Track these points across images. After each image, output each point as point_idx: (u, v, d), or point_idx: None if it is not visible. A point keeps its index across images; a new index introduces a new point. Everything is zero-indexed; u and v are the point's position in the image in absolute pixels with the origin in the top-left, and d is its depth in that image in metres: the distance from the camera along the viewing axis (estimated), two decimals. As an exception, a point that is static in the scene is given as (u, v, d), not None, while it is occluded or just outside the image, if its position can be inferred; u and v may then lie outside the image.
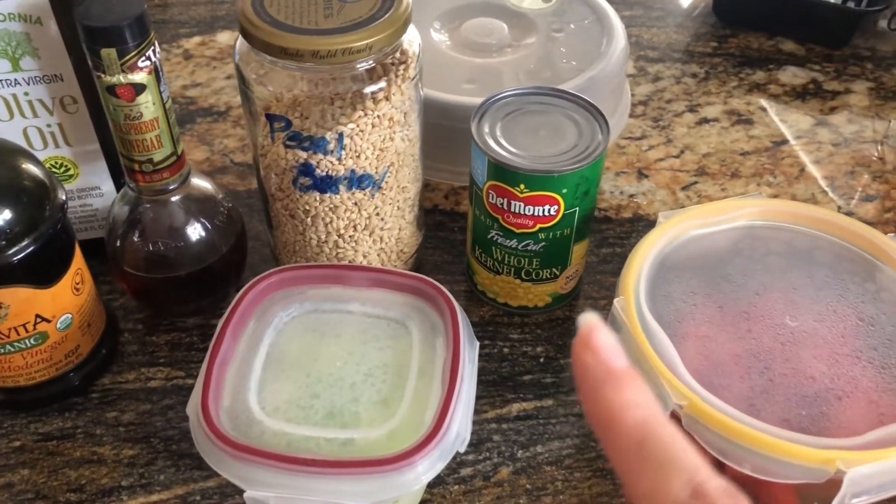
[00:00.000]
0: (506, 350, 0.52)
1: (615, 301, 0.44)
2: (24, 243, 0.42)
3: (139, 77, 0.42)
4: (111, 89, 0.42)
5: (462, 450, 0.38)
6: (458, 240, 0.60)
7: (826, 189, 0.65)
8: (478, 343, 0.43)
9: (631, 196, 0.63)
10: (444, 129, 0.56)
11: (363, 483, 0.36)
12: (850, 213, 0.60)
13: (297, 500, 0.37)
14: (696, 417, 0.38)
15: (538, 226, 0.48)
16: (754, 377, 0.41)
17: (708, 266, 0.47)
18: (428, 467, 0.37)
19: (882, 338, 0.43)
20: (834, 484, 0.37)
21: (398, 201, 0.50)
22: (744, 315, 0.44)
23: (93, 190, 0.53)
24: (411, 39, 0.46)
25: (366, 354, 0.42)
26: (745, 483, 0.40)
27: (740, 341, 0.43)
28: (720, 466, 0.40)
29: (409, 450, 0.37)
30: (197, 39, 0.79)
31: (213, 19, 0.82)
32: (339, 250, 0.51)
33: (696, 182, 0.65)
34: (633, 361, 0.42)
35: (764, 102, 0.73)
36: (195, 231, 0.49)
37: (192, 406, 0.39)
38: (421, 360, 0.42)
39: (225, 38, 0.79)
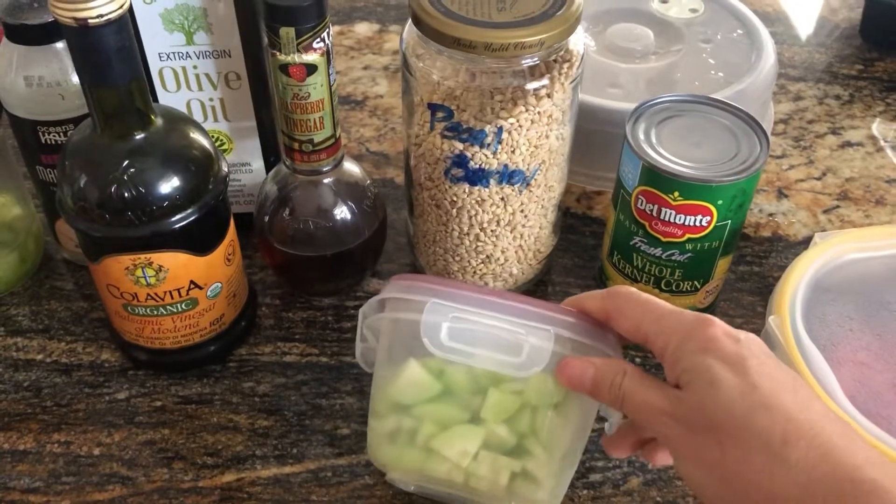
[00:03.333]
0: (637, 360, 0.51)
1: (770, 319, 0.42)
2: (188, 211, 0.43)
3: (312, 58, 0.43)
4: (284, 68, 0.43)
5: None
6: (588, 244, 0.59)
7: (979, 224, 0.62)
8: None
9: (770, 215, 0.62)
10: (584, 132, 0.56)
11: None
12: None
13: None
14: (854, 446, 0.37)
15: (687, 236, 0.47)
16: (915, 411, 0.40)
17: (865, 291, 0.45)
18: None
19: None
20: None
21: (543, 200, 0.50)
22: (905, 345, 0.42)
23: (244, 166, 0.54)
24: (577, 39, 0.46)
25: None
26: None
27: (901, 372, 0.41)
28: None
29: None
30: (335, 29, 0.80)
31: (352, 10, 0.83)
32: (479, 244, 0.51)
33: (838, 206, 0.63)
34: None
35: (912, 130, 0.70)
36: (343, 213, 0.50)
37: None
38: None
39: (362, 29, 0.81)
